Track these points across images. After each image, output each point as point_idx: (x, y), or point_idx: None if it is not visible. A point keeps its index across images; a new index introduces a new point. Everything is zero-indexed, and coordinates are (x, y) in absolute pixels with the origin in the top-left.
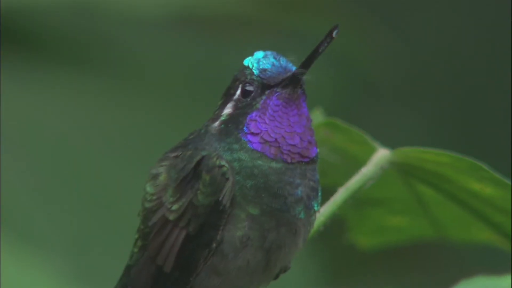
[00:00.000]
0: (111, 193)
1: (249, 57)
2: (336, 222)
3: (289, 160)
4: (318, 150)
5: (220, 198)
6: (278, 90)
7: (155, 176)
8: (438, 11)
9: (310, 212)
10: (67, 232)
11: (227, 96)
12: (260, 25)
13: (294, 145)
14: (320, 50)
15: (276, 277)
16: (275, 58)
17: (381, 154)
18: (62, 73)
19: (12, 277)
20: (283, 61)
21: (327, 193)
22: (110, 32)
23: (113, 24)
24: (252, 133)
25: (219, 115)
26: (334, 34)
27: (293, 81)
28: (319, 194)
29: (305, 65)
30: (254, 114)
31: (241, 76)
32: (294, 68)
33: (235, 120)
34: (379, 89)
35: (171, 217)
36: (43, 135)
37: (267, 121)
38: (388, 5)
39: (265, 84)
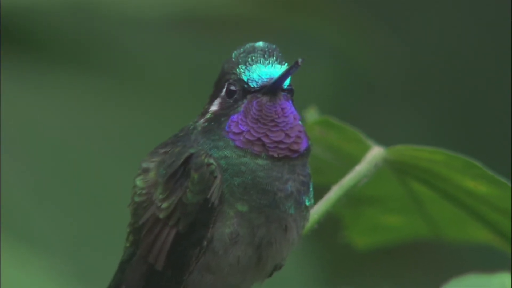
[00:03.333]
0: (111, 193)
1: (239, 52)
2: (332, 221)
3: (275, 155)
4: (310, 144)
5: (209, 196)
6: (258, 96)
7: (145, 171)
8: (438, 11)
9: (301, 207)
10: (66, 232)
11: (217, 89)
12: (260, 25)
13: (280, 141)
14: (291, 72)
15: (270, 274)
16: (263, 51)
17: (375, 152)
18: (62, 73)
19: (12, 277)
20: (270, 60)
21: (322, 191)
22: (110, 33)
23: (113, 25)
24: (234, 133)
25: (206, 112)
26: (299, 62)
27: (271, 90)
28: (311, 189)
29: (281, 80)
30: (235, 116)
31: (229, 70)
32: (278, 67)
33: (218, 119)
34: (379, 89)
35: (161, 215)
36: (43, 135)
37: (249, 123)
38: (388, 5)
39: (246, 88)
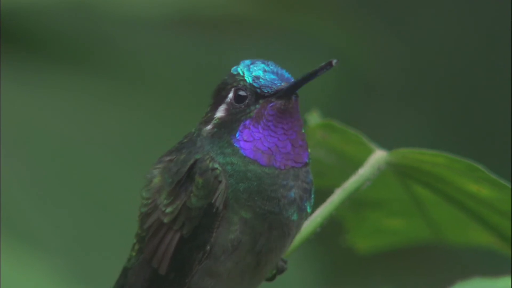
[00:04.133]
0: (111, 194)
1: (237, 66)
2: (334, 225)
3: (282, 168)
4: (309, 152)
5: (213, 201)
6: (273, 100)
7: (149, 180)
8: (438, 11)
9: (302, 213)
10: (66, 232)
11: (219, 97)
12: (260, 25)
13: (287, 153)
14: (317, 74)
15: (273, 278)
16: (263, 63)
17: (378, 155)
18: (62, 74)
19: (12, 277)
20: (272, 65)
21: (324, 195)
22: (111, 33)
23: (114, 25)
24: (245, 141)
25: (211, 118)
26: (333, 63)
27: (287, 94)
28: (312, 195)
29: (301, 83)
30: (248, 122)
31: (232, 81)
32: (285, 74)
33: (228, 125)
34: (380, 90)
35: (166, 219)
36: (43, 135)
37: (261, 130)
38: (388, 5)
39: (259, 93)
